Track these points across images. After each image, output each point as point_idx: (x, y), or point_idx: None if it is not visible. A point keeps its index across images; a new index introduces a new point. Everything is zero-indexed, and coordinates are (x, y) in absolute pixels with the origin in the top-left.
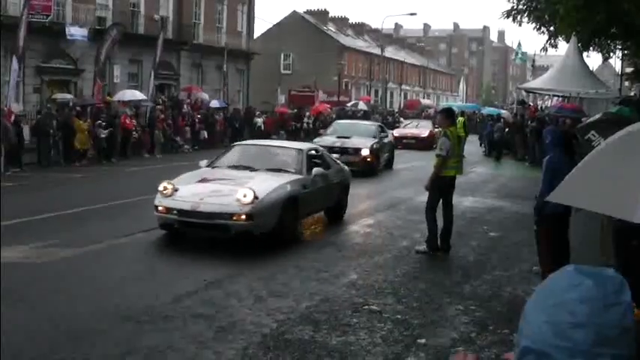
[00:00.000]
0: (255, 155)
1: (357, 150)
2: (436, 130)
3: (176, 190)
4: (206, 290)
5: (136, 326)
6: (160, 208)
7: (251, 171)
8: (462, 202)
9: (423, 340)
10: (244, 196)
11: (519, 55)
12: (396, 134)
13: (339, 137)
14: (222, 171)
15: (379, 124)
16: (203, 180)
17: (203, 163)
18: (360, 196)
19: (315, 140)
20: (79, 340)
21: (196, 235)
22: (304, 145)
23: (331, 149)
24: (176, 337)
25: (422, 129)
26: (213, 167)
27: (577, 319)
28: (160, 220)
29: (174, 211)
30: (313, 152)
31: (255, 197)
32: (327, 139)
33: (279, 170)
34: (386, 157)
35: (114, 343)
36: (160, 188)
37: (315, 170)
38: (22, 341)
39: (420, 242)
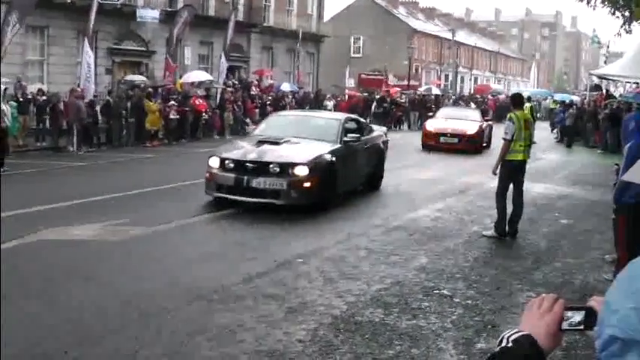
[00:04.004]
0: None
1: (287, 167)
2: (486, 123)
3: None
4: (276, 271)
5: (207, 305)
6: None
7: None
8: (533, 188)
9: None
10: None
11: (595, 43)
12: (429, 128)
13: (262, 142)
14: None
15: (352, 116)
16: None
17: None
18: (430, 182)
19: (226, 148)
20: (149, 318)
21: None
22: None
23: (241, 165)
24: (246, 316)
25: (468, 122)
26: None
27: None
28: None
29: None
30: None
31: None
32: (240, 147)
33: None
34: (365, 174)
35: (184, 322)
36: None
37: None
38: (92, 318)
39: (489, 227)
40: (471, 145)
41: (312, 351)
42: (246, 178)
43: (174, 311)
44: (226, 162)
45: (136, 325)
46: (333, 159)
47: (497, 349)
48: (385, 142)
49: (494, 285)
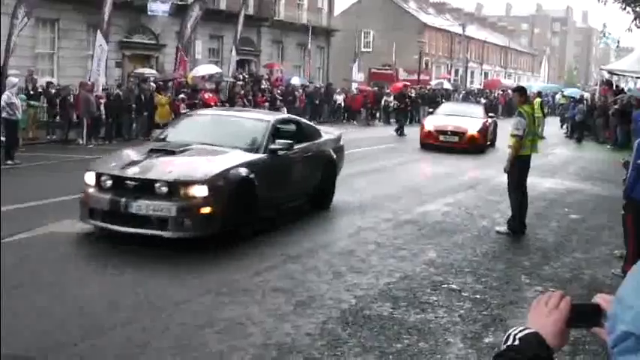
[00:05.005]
0: None
1: (179, 186)
2: (490, 120)
3: None
4: (285, 265)
5: (215, 298)
6: None
7: None
8: (543, 183)
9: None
10: None
11: (604, 39)
12: (428, 126)
13: (155, 151)
14: None
15: (290, 117)
16: None
17: None
18: (439, 176)
19: (108, 159)
20: (158, 310)
21: None
22: None
23: (120, 183)
24: (255, 310)
25: (470, 120)
26: None
27: None
28: None
29: None
30: None
31: None
32: (125, 158)
33: None
34: (305, 191)
35: (193, 314)
36: None
37: None
38: (102, 310)
39: (500, 223)
40: (474, 144)
41: (320, 344)
42: (123, 200)
43: (184, 304)
44: (103, 178)
45: (146, 318)
46: (251, 174)
47: (504, 346)
48: (339, 149)
49: (503, 279)
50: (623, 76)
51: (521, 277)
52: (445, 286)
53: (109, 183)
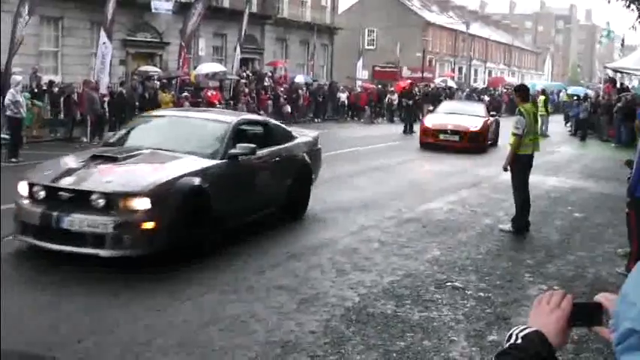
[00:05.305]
0: None
1: (117, 198)
2: (491, 119)
3: None
4: (288, 262)
5: (219, 296)
6: None
7: None
8: (546, 181)
9: None
10: None
11: (604, 38)
12: (427, 124)
13: (96, 157)
14: None
15: (256, 118)
16: None
17: None
18: (442, 174)
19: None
20: (162, 308)
21: None
22: None
23: (53, 194)
24: (259, 307)
25: (471, 118)
26: None
27: None
28: None
29: None
30: None
31: None
32: (62, 167)
33: None
34: (272, 200)
35: (197, 312)
36: None
37: None
38: (106, 307)
39: (504, 221)
40: (474, 143)
41: (324, 342)
42: (55, 214)
43: (187, 301)
44: (35, 189)
45: (150, 315)
46: (205, 184)
47: (507, 345)
48: (315, 153)
49: (507, 277)
50: (628, 73)
51: (525, 275)
52: (449, 284)
53: (42, 194)
